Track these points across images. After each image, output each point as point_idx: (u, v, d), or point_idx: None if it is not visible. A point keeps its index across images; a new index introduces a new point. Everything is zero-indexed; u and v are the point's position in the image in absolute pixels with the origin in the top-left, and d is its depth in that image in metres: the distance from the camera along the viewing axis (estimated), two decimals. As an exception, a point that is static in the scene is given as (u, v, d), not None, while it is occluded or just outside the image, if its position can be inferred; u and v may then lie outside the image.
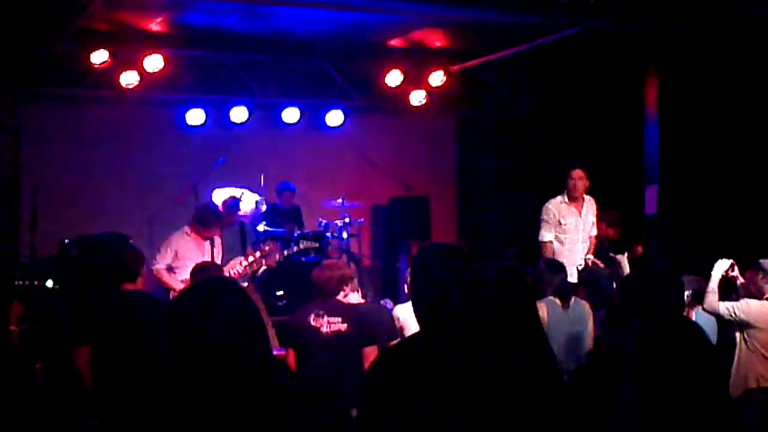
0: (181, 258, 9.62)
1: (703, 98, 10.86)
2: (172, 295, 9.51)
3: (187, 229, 9.76)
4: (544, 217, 9.90)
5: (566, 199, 9.90)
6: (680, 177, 10.97)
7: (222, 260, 9.83)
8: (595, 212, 10.11)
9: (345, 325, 6.70)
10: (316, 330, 6.70)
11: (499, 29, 11.25)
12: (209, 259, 9.62)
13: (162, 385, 2.80)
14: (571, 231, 9.85)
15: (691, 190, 10.92)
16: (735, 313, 7.30)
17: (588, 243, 10.01)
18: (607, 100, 12.02)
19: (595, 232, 10.14)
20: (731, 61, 10.54)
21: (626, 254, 9.65)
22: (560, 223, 9.84)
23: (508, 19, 10.47)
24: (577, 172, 9.88)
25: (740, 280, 7.58)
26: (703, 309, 7.42)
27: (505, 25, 10.91)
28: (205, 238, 9.74)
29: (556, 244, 9.85)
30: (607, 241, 10.76)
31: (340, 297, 6.94)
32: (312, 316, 6.74)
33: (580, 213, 9.95)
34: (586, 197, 10.06)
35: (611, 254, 9.77)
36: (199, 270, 7.76)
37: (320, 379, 6.40)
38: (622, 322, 5.35)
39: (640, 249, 10.58)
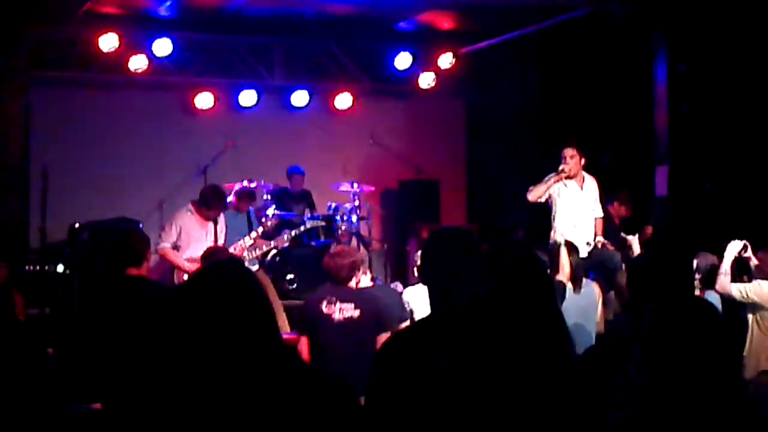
0: (185, 236, 9.65)
1: (713, 79, 10.80)
2: (177, 273, 9.55)
3: (191, 206, 9.78)
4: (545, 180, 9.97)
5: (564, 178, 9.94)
6: (690, 158, 10.92)
7: (225, 240, 9.87)
8: (597, 191, 10.09)
9: (357, 311, 6.68)
10: (328, 317, 6.67)
11: (508, 11, 11.22)
12: (212, 238, 9.64)
13: (162, 370, 2.78)
14: (574, 206, 9.84)
15: (702, 170, 10.87)
16: (747, 295, 7.28)
17: (594, 223, 10.00)
18: (617, 80, 11.96)
19: (600, 214, 10.10)
20: (741, 42, 10.48)
21: (637, 236, 9.61)
22: (562, 201, 9.84)
23: (517, 0, 10.44)
24: (568, 151, 9.90)
25: (753, 261, 7.56)
26: (716, 291, 7.39)
27: (514, 6, 10.87)
28: (206, 219, 9.76)
29: (564, 225, 9.81)
30: (619, 220, 10.72)
31: (351, 284, 6.90)
32: (324, 303, 6.71)
33: (581, 186, 9.95)
34: (587, 175, 10.05)
35: (623, 235, 9.74)
36: (211, 255, 7.76)
37: (333, 366, 6.37)
38: (633, 304, 5.33)
39: (650, 230, 10.55)
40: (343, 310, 6.69)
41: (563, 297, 7.16)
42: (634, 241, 9.31)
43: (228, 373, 2.72)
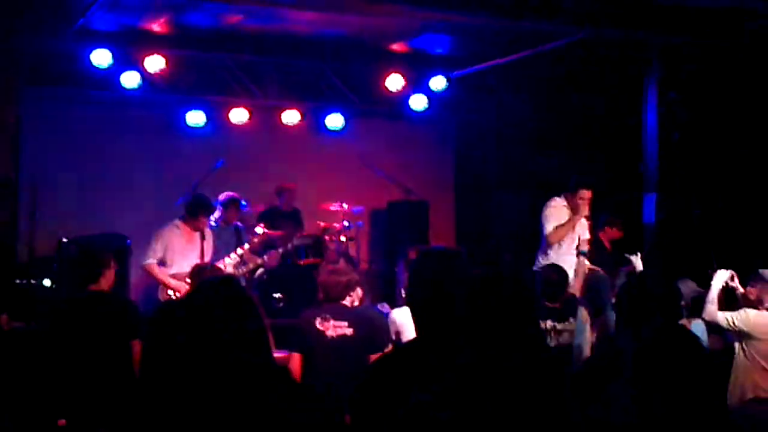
0: (171, 252, 9.63)
1: (703, 107, 10.86)
2: (161, 290, 9.52)
3: (177, 222, 9.77)
4: (550, 210, 9.77)
5: (566, 203, 9.78)
6: (679, 186, 10.95)
7: (212, 255, 9.84)
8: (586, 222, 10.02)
9: (351, 329, 6.68)
10: (322, 333, 6.67)
11: (501, 35, 11.25)
12: (199, 253, 9.62)
13: (130, 387, 2.79)
14: (569, 235, 9.79)
15: (691, 199, 10.90)
16: (734, 323, 7.30)
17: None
18: (608, 107, 12.00)
19: (587, 236, 10.02)
20: (732, 71, 10.54)
21: (639, 254, 9.37)
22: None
23: (510, 25, 10.47)
24: (587, 193, 9.64)
25: (740, 290, 7.58)
26: (703, 319, 7.41)
27: (506, 30, 10.90)
28: (194, 230, 9.72)
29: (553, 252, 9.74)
30: (611, 243, 10.66)
31: (346, 302, 6.89)
32: (318, 320, 6.71)
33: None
34: None
35: (626, 255, 9.57)
36: (198, 271, 7.75)
37: (324, 383, 6.35)
38: (620, 329, 5.33)
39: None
40: (336, 328, 6.68)
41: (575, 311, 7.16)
42: (636, 259, 9.15)
43: (220, 388, 2.71)
